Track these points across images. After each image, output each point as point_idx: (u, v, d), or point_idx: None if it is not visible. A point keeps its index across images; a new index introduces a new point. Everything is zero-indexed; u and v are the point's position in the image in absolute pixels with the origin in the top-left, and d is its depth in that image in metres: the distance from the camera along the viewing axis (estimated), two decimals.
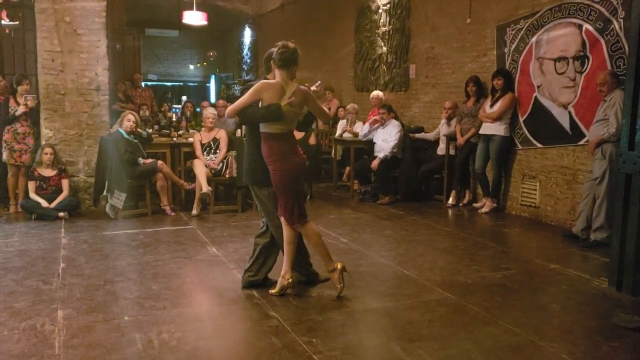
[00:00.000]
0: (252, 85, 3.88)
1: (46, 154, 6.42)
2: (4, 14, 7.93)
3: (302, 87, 3.87)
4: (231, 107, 3.89)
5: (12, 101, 6.56)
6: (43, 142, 6.65)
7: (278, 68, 3.81)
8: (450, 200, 7.23)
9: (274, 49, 3.86)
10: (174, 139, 7.39)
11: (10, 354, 3.02)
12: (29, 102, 6.48)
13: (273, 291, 3.93)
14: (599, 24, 5.59)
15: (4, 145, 6.54)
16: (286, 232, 3.86)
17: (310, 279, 4.19)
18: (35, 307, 3.70)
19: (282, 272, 3.91)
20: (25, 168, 6.58)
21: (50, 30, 6.60)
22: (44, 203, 6.29)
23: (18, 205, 6.58)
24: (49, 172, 6.46)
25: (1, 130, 6.56)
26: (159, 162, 6.66)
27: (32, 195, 6.36)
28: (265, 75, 4.09)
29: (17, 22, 8.09)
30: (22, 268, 4.55)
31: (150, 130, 7.54)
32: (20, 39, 8.03)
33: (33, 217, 6.30)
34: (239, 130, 7.71)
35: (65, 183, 6.50)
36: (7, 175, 6.66)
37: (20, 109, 6.46)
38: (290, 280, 3.90)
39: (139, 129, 6.68)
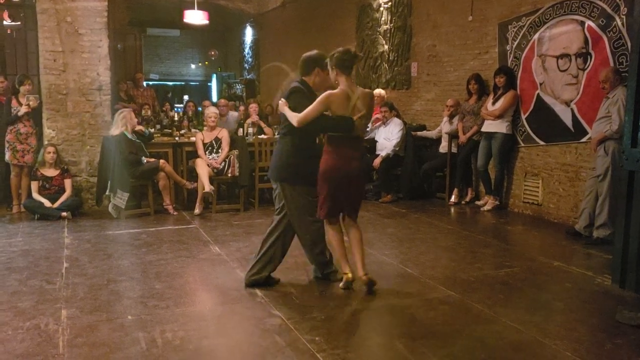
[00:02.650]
0: (297, 91, 3.92)
1: (49, 153, 6.43)
2: (5, 14, 7.95)
3: (365, 90, 4.00)
4: (301, 117, 3.78)
5: (14, 101, 6.56)
6: (45, 142, 6.66)
7: (340, 73, 3.89)
8: (453, 198, 7.23)
9: (313, 53, 4.04)
10: (176, 138, 7.39)
11: (15, 353, 3.03)
12: (31, 102, 6.49)
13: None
14: (602, 21, 5.57)
15: (6, 145, 6.55)
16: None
17: (328, 277, 4.20)
18: (39, 306, 3.71)
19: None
20: (28, 168, 6.58)
21: (52, 31, 6.60)
22: (47, 203, 6.30)
23: (21, 205, 6.59)
24: (51, 172, 6.47)
25: (4, 130, 6.58)
26: (161, 161, 6.65)
27: (35, 195, 6.37)
28: (301, 77, 4.06)
29: (19, 23, 8.10)
30: (26, 268, 4.56)
31: (152, 130, 7.55)
32: (22, 39, 8.04)
33: (36, 217, 6.31)
34: (240, 130, 7.71)
35: (68, 183, 6.51)
36: (10, 176, 6.67)
37: (23, 109, 6.46)
38: (348, 274, 4.01)
39: (141, 128, 6.69)
